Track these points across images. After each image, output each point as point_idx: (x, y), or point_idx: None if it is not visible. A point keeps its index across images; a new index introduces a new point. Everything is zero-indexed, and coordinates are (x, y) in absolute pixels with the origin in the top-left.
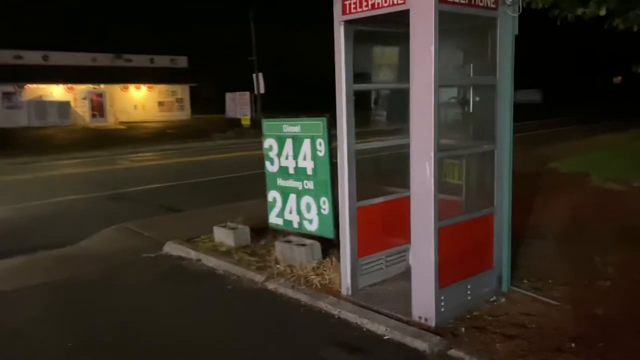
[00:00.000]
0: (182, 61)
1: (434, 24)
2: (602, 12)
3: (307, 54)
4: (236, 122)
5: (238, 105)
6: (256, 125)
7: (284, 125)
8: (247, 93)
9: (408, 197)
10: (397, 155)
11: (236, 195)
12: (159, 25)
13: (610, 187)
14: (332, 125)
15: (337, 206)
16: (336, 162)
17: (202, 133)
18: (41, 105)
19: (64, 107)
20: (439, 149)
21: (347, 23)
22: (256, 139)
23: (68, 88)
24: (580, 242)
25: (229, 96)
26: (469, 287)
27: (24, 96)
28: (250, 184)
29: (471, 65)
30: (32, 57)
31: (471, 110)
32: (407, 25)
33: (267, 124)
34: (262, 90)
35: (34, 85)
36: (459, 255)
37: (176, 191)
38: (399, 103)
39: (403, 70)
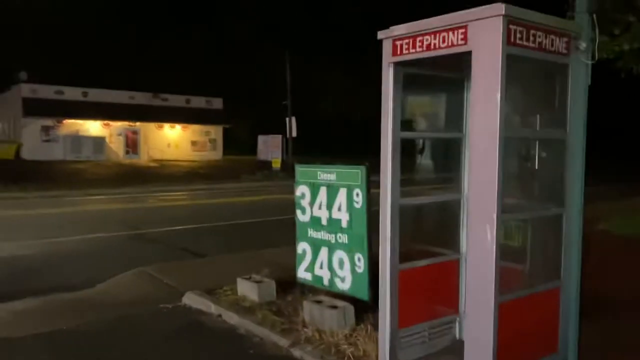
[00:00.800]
0: (217, 102)
1: (500, 69)
2: (626, 47)
3: (342, 98)
4: (267, 165)
5: (270, 147)
6: (286, 169)
7: (319, 172)
8: (279, 136)
9: (456, 261)
10: (443, 210)
11: (263, 241)
12: (195, 66)
13: None
14: (371, 173)
15: (373, 265)
16: (377, 213)
17: (233, 174)
18: (77, 140)
19: (99, 142)
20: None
21: (397, 65)
22: (286, 182)
23: (104, 124)
24: None
25: (261, 139)
26: None
27: (62, 130)
28: (277, 230)
29: (537, 116)
30: (72, 93)
31: (536, 167)
32: (461, 68)
33: (300, 170)
34: (294, 134)
35: (72, 120)
36: (520, 337)
37: (202, 234)
38: (445, 153)
39: (451, 117)
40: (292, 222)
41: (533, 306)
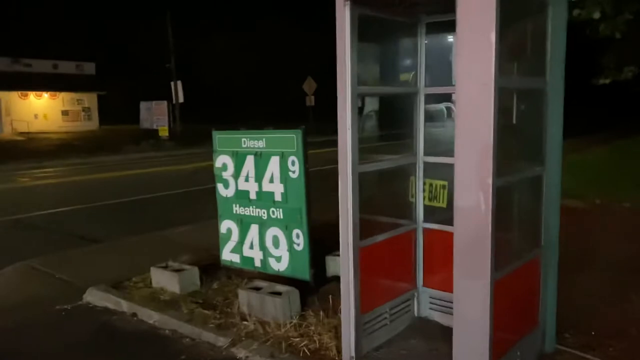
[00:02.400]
0: (89, 67)
1: (496, 3)
2: (597, 15)
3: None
4: (152, 134)
5: (154, 115)
6: (175, 137)
7: (243, 139)
8: (164, 102)
9: (413, 231)
10: (394, 175)
11: (164, 220)
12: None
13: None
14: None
15: (313, 241)
16: (317, 182)
17: (114, 146)
18: None
19: None
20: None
21: (354, 4)
22: (177, 151)
23: None
24: (611, 274)
25: (143, 105)
26: (518, 354)
27: None
28: (180, 205)
29: (515, 64)
30: None
31: (514, 122)
32: (414, 12)
33: (219, 137)
34: (181, 100)
35: None
36: (511, 315)
37: (91, 215)
38: (392, 111)
39: (402, 71)
40: (194, 195)
41: (519, 279)
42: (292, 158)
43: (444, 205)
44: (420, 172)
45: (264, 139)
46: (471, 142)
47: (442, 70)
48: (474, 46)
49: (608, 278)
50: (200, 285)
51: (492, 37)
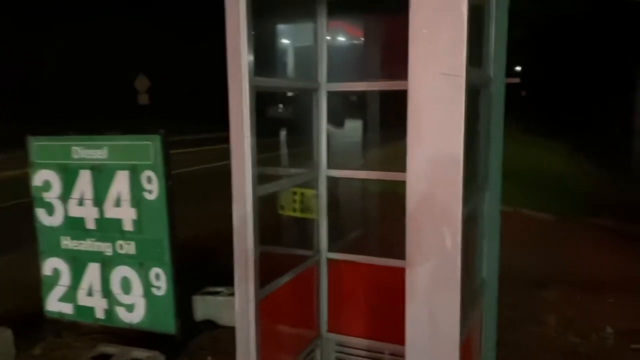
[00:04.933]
0: None
1: None
2: None
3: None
4: None
5: None
6: None
7: (75, 148)
8: None
9: (315, 264)
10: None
11: None
12: None
13: None
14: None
15: (179, 282)
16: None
17: None
18: None
19: None
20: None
21: None
22: None
23: None
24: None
25: None
26: None
27: None
28: None
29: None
30: None
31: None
32: None
33: (38, 145)
34: None
35: None
36: None
37: None
38: (296, 114)
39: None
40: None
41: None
42: (147, 173)
43: (316, 217)
44: (322, 189)
45: (106, 148)
46: (431, 160)
47: (351, 63)
48: (438, 26)
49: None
50: (16, 353)
51: (464, 9)
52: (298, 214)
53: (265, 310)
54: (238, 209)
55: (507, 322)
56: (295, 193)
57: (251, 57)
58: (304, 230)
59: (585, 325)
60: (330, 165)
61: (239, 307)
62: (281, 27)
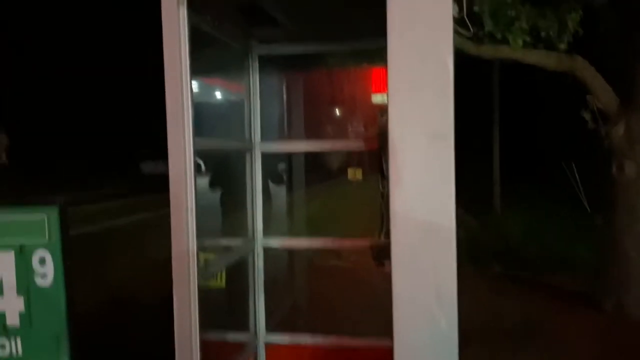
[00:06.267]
0: None
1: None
2: None
3: None
4: None
5: None
6: None
7: None
8: None
9: (251, 354)
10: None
11: None
12: None
13: None
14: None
15: None
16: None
17: None
18: None
19: None
20: None
21: (191, 9)
22: None
23: None
24: None
25: None
26: None
27: None
28: None
29: None
30: None
31: None
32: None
33: None
34: None
35: None
36: None
37: None
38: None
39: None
40: None
41: None
42: (40, 253)
43: (223, 285)
44: (259, 262)
45: None
46: (419, 228)
47: (282, 120)
48: (422, 79)
49: None
50: None
51: (449, 62)
52: (200, 283)
53: None
54: (178, 300)
55: None
56: (198, 259)
57: (191, 112)
58: (244, 311)
59: None
60: (266, 233)
61: None
62: (213, 84)
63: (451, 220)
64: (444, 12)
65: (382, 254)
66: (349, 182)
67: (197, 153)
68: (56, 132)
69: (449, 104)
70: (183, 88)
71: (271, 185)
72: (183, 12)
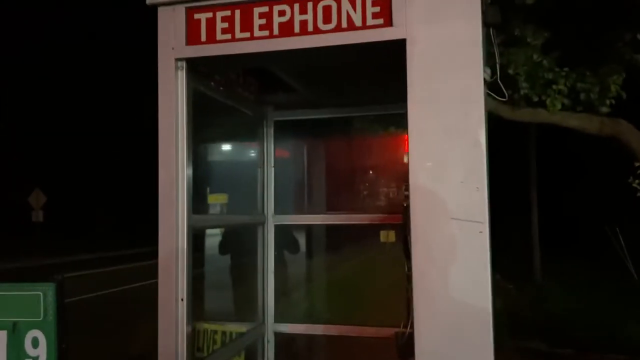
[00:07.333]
0: None
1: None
2: None
3: None
4: None
5: None
6: None
7: None
8: None
9: None
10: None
11: None
12: None
13: None
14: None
15: None
16: None
17: None
18: None
19: None
20: None
21: (191, 67)
22: None
23: None
24: None
25: None
26: None
27: None
28: None
29: None
30: None
31: None
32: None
33: None
34: None
35: None
36: None
37: None
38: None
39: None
40: None
41: None
42: (34, 334)
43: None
44: (270, 348)
45: None
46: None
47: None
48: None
49: None
50: None
51: (482, 136)
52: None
53: None
54: None
55: None
56: (198, 331)
57: (190, 188)
58: None
59: None
60: (277, 318)
61: None
62: (224, 152)
63: (488, 313)
64: (474, 82)
65: (407, 349)
66: (381, 245)
67: (197, 231)
68: (92, 188)
69: (483, 191)
70: (178, 160)
71: (286, 254)
72: (182, 77)
